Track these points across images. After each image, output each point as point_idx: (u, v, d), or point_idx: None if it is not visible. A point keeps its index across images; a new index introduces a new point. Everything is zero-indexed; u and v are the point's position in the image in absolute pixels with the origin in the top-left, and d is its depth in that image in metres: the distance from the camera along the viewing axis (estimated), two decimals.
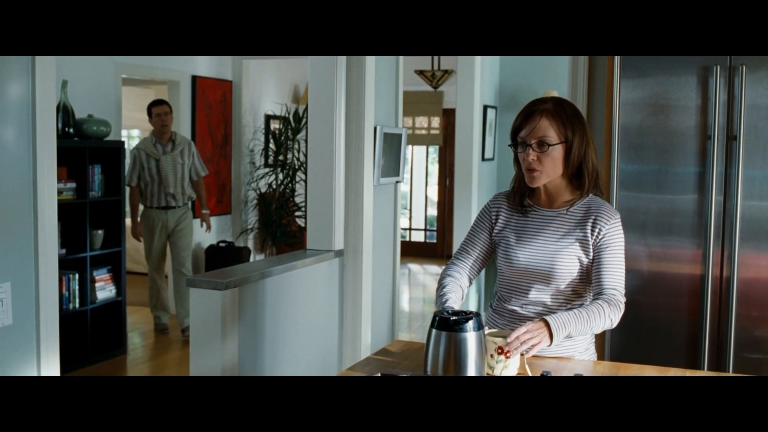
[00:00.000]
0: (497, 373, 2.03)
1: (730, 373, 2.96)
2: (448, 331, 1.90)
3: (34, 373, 2.54)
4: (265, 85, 8.11)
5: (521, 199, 2.30)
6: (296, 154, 7.93)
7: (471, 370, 1.89)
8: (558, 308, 2.23)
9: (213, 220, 7.02)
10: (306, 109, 7.52)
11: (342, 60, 3.86)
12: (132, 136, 10.93)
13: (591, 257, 2.20)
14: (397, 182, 4.61)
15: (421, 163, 10.94)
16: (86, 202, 5.21)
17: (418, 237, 11.03)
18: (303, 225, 7.73)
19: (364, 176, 3.95)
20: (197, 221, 6.42)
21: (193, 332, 3.18)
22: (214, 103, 7.37)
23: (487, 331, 2.09)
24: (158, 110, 5.85)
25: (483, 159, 6.46)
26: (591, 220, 2.20)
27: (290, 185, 7.87)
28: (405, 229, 10.93)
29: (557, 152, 2.16)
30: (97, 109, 5.85)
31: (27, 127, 2.47)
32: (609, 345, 3.23)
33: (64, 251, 5.08)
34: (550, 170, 2.18)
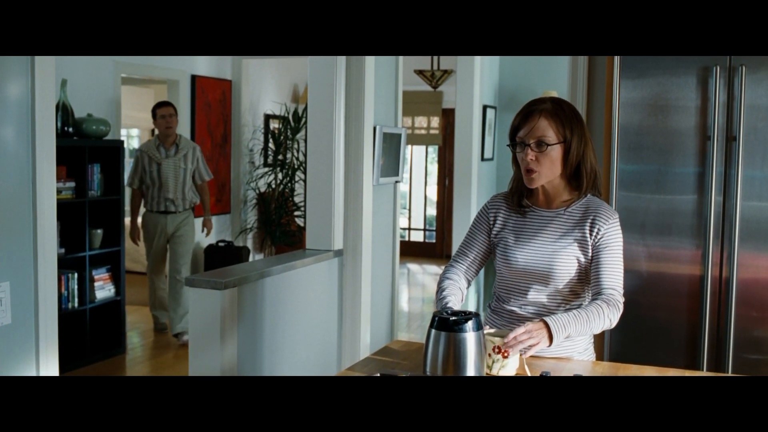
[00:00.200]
0: (495, 372, 2.04)
1: (729, 374, 2.96)
2: (448, 332, 1.90)
3: (33, 373, 2.54)
4: (264, 84, 8.11)
5: (519, 199, 2.30)
6: (295, 154, 7.93)
7: (470, 371, 1.89)
8: (556, 308, 2.23)
9: (198, 220, 6.89)
10: (305, 109, 7.51)
11: (341, 60, 3.86)
12: (131, 135, 10.93)
13: (589, 257, 2.20)
14: (396, 182, 4.61)
15: (420, 163, 10.94)
16: (85, 201, 5.21)
17: (418, 237, 11.03)
18: (302, 225, 7.73)
19: (363, 176, 3.95)
20: (199, 224, 6.29)
21: (192, 332, 3.17)
22: (214, 102, 7.37)
23: (486, 330, 2.09)
24: (163, 112, 5.74)
25: (482, 159, 6.46)
26: (589, 221, 2.20)
27: (289, 185, 7.87)
28: (404, 229, 10.93)
29: (556, 152, 2.16)
30: (97, 109, 5.85)
31: (26, 126, 2.46)
32: (608, 345, 3.23)
33: (63, 250, 5.07)
34: (549, 170, 2.18)
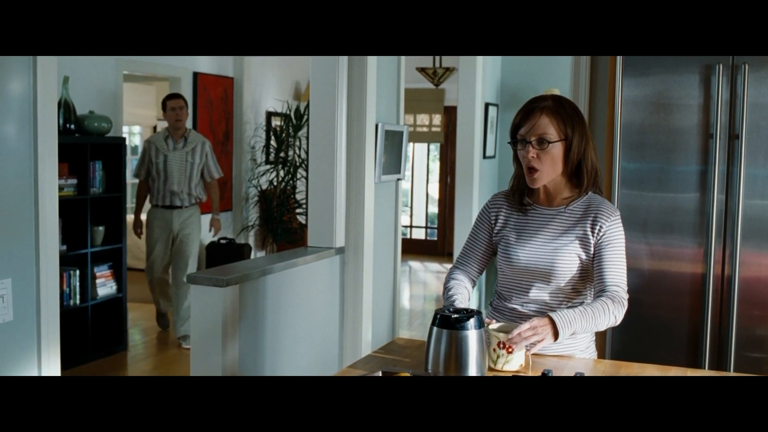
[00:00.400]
0: (499, 367, 2.05)
1: (731, 372, 2.96)
2: (450, 329, 1.90)
3: (35, 369, 2.54)
4: (266, 81, 8.10)
5: (521, 197, 2.30)
6: (297, 151, 7.93)
7: (472, 368, 1.89)
8: (558, 306, 2.23)
9: (206, 218, 6.84)
10: (307, 106, 7.51)
11: (343, 57, 3.85)
12: (133, 132, 10.93)
13: (591, 255, 2.20)
14: (398, 180, 4.61)
15: (422, 161, 10.94)
16: (87, 198, 5.21)
17: (419, 234, 11.03)
18: (304, 222, 7.73)
19: (365, 173, 3.95)
20: (205, 223, 6.18)
21: (193, 329, 3.17)
22: (216, 99, 7.36)
23: (492, 325, 2.10)
24: (173, 104, 5.61)
25: (484, 157, 6.46)
26: (591, 218, 2.20)
27: (291, 182, 7.87)
28: (406, 227, 10.93)
29: (557, 150, 2.16)
30: (99, 106, 5.85)
31: (28, 123, 2.46)
32: (610, 343, 3.22)
33: (65, 247, 5.08)
34: (550, 168, 2.18)
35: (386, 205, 4.47)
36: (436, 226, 10.83)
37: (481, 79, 6.22)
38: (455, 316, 1.91)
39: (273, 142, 8.03)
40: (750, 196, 3.03)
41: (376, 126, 4.11)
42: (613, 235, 2.19)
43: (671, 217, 3.14)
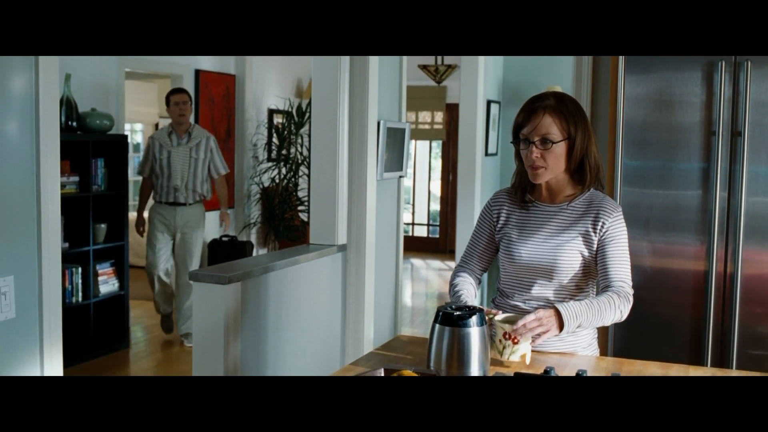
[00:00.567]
0: (505, 358, 2.06)
1: (734, 370, 2.95)
2: (451, 327, 1.90)
3: (37, 367, 2.54)
4: (268, 79, 8.10)
5: (523, 194, 2.30)
6: (299, 149, 7.93)
7: (474, 365, 1.89)
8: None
9: (216, 214, 6.90)
10: (309, 104, 7.51)
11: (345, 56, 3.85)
12: (135, 130, 10.94)
13: (594, 252, 2.20)
14: (400, 177, 4.61)
15: (424, 158, 10.94)
16: (89, 195, 5.22)
17: (421, 232, 11.03)
18: (306, 219, 7.73)
19: (367, 171, 3.95)
20: (209, 220, 6.11)
21: (195, 326, 3.18)
22: (218, 97, 7.36)
23: (498, 316, 2.10)
24: (176, 99, 5.53)
25: (486, 154, 6.45)
26: (593, 215, 2.20)
27: (293, 180, 7.87)
28: (408, 224, 10.93)
29: (560, 149, 2.16)
30: (100, 103, 5.85)
31: (30, 121, 2.46)
32: (612, 341, 3.22)
33: (67, 245, 5.08)
34: (554, 167, 2.18)
35: (388, 202, 4.47)
36: (438, 223, 10.83)
37: (483, 77, 6.21)
38: (457, 313, 1.91)
39: (275, 140, 8.04)
40: (752, 193, 3.02)
41: (378, 123, 4.11)
42: (616, 231, 2.19)
43: (673, 215, 3.13)
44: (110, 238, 5.49)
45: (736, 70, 3.01)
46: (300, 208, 7.95)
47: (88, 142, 5.20)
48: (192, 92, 7.02)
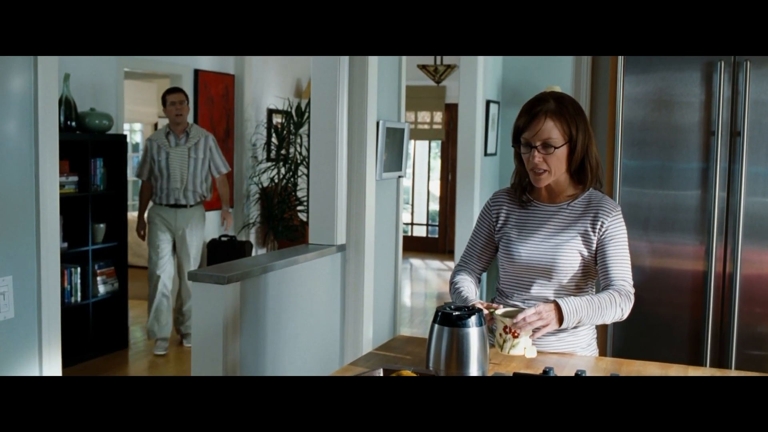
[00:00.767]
0: (505, 351, 2.08)
1: (733, 370, 2.96)
2: (451, 327, 1.90)
3: (36, 367, 2.54)
4: (267, 79, 8.10)
5: (522, 194, 2.30)
6: (298, 149, 7.93)
7: (473, 366, 1.89)
8: None
9: (215, 214, 6.91)
10: (308, 104, 7.51)
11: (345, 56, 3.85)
12: (134, 129, 10.93)
13: (593, 252, 2.20)
14: (399, 177, 4.60)
15: (423, 158, 10.94)
16: (88, 195, 5.21)
17: (420, 232, 11.03)
18: (305, 219, 7.73)
19: (366, 171, 3.95)
20: (210, 221, 6.04)
21: (194, 326, 3.18)
22: (217, 96, 7.36)
23: (498, 310, 2.11)
24: (173, 98, 5.40)
25: (485, 154, 6.45)
26: (592, 215, 2.20)
27: (292, 179, 7.87)
28: (407, 224, 10.93)
29: (562, 152, 2.16)
30: (99, 103, 5.84)
31: (29, 121, 2.46)
32: (611, 341, 3.22)
33: (66, 245, 5.08)
34: (556, 169, 2.18)
35: (387, 202, 4.47)
36: (437, 223, 10.83)
37: (483, 77, 6.21)
38: (456, 313, 1.91)
39: (274, 140, 8.03)
40: (751, 193, 3.02)
41: (377, 123, 4.10)
42: (615, 231, 2.19)
43: (672, 215, 3.14)
44: (109, 238, 5.49)
45: (735, 70, 3.01)
46: (299, 208, 7.95)
47: (87, 142, 5.19)
48: (191, 92, 7.02)
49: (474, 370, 1.89)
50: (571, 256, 2.19)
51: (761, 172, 3.01)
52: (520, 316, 2.03)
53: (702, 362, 3.12)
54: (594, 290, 2.29)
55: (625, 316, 2.16)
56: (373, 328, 4.15)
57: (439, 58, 7.77)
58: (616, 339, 3.22)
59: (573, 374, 1.97)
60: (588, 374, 1.97)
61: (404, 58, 4.50)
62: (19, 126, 2.43)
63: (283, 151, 7.91)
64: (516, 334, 2.04)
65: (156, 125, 10.35)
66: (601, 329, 3.19)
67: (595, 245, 2.20)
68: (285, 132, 7.92)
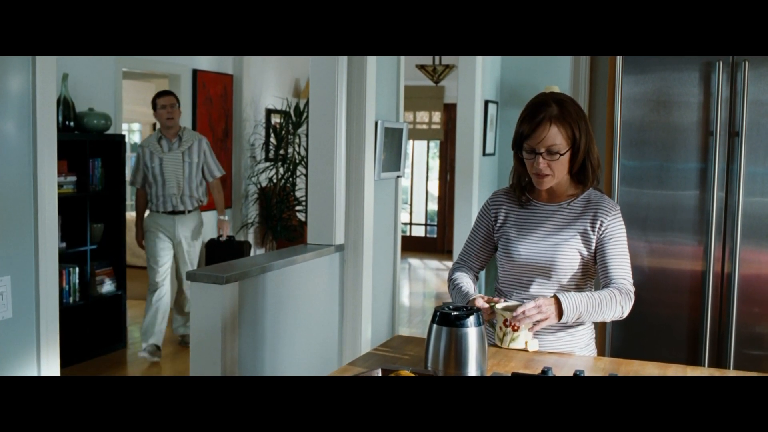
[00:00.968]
0: (505, 345, 2.10)
1: (731, 370, 2.96)
2: (449, 327, 1.90)
3: (34, 367, 2.54)
4: (266, 79, 8.09)
5: (521, 193, 2.30)
6: (297, 149, 7.93)
7: (471, 366, 1.89)
8: None
9: (212, 214, 6.86)
10: (307, 104, 7.51)
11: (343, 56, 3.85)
12: (132, 129, 10.93)
13: (592, 251, 2.20)
14: (397, 177, 4.60)
15: (421, 158, 10.94)
16: (87, 195, 5.21)
17: (419, 232, 11.03)
18: (303, 219, 7.73)
19: (364, 171, 3.95)
20: (208, 225, 5.96)
21: (193, 326, 3.17)
22: (215, 97, 7.36)
23: (499, 304, 2.11)
24: (163, 101, 5.24)
25: (484, 154, 6.45)
26: (591, 214, 2.20)
27: (291, 179, 7.87)
28: (405, 224, 10.93)
29: (566, 156, 2.16)
30: (98, 103, 5.84)
31: (27, 121, 2.46)
32: (609, 341, 3.22)
33: (64, 245, 5.08)
34: (559, 173, 2.18)
35: (386, 202, 4.47)
36: (435, 223, 10.83)
37: (481, 77, 6.22)
38: (455, 313, 1.91)
39: (272, 140, 8.03)
40: (750, 193, 3.03)
41: (376, 123, 4.10)
42: (615, 230, 2.19)
43: (671, 215, 3.14)
44: (107, 238, 5.48)
45: (733, 70, 3.01)
46: (298, 208, 7.95)
47: (86, 142, 5.19)
48: (189, 92, 7.01)
49: (472, 370, 1.89)
50: (570, 255, 2.19)
51: (759, 172, 3.02)
52: (520, 310, 2.04)
53: (700, 362, 3.12)
54: (593, 290, 2.29)
55: (625, 314, 2.16)
56: (371, 327, 4.15)
57: (437, 58, 7.78)
58: (614, 339, 3.22)
59: (571, 374, 1.96)
60: (586, 374, 1.97)
61: (403, 58, 4.50)
62: (17, 126, 2.43)
63: (281, 151, 7.91)
64: (516, 328, 2.06)
65: (155, 125, 10.34)
66: (600, 329, 3.19)
67: (594, 244, 2.20)
68: (283, 132, 7.92)
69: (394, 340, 2.44)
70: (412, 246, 10.62)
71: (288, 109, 7.98)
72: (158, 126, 5.37)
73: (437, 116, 9.95)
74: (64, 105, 5.05)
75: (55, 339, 2.61)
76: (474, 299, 2.16)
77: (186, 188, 5.26)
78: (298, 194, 7.98)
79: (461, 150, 6.19)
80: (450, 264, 9.49)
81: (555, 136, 2.12)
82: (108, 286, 5.49)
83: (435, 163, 10.83)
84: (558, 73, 6.40)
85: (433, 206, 10.87)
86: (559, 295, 2.08)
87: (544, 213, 2.26)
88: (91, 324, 5.36)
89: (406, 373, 1.79)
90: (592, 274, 2.26)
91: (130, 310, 6.21)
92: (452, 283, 2.35)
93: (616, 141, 3.16)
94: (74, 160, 5.16)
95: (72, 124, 5.12)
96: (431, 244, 10.80)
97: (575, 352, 2.26)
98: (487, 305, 2.11)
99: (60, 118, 5.00)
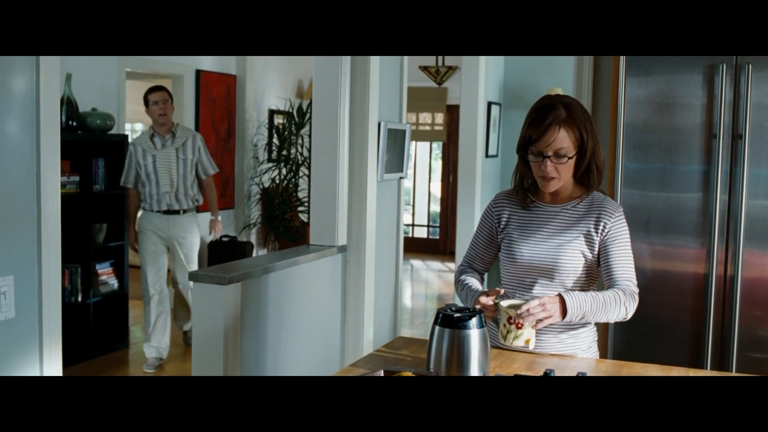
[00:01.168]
0: (508, 342, 2.09)
1: (734, 372, 2.95)
2: (451, 328, 1.90)
3: (37, 367, 2.54)
4: (269, 79, 8.10)
5: (525, 196, 2.29)
6: (300, 149, 7.93)
7: (473, 367, 1.89)
8: None
9: (204, 215, 6.72)
10: (310, 104, 7.51)
11: (346, 56, 3.85)
12: (135, 129, 10.93)
13: (596, 253, 2.20)
14: (400, 178, 4.60)
15: (424, 159, 10.93)
16: (89, 195, 5.21)
17: (421, 233, 11.03)
18: (306, 220, 7.73)
19: (367, 172, 3.95)
20: (204, 225, 5.91)
21: (195, 327, 3.18)
22: (218, 97, 7.36)
23: (503, 301, 2.11)
24: (155, 97, 5.02)
25: (487, 155, 6.45)
26: (595, 216, 2.20)
27: (293, 180, 7.87)
28: (408, 225, 10.93)
29: (573, 158, 2.16)
30: (101, 103, 5.85)
31: (31, 121, 2.46)
32: (612, 343, 3.22)
33: (67, 244, 5.07)
34: (566, 176, 2.18)
35: (388, 203, 4.47)
36: (438, 224, 10.83)
37: (484, 78, 6.21)
38: (457, 315, 1.91)
39: (275, 140, 8.03)
40: (753, 196, 3.02)
41: (379, 124, 4.10)
42: (618, 231, 2.19)
43: (674, 217, 3.13)
44: (110, 237, 5.49)
45: (737, 72, 3.01)
46: (300, 208, 7.95)
47: (89, 142, 5.20)
48: (192, 92, 7.02)
49: (474, 372, 1.89)
50: (573, 256, 2.19)
51: (762, 174, 3.01)
52: (524, 307, 2.04)
53: (703, 365, 3.12)
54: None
55: (630, 315, 2.16)
56: (373, 329, 4.14)
57: (440, 59, 7.77)
58: (617, 341, 3.21)
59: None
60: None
61: (406, 59, 4.50)
62: (20, 126, 2.43)
63: (284, 152, 7.92)
64: (519, 325, 2.05)
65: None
66: (602, 331, 3.19)
67: (597, 246, 2.20)
68: (286, 133, 7.93)
69: (396, 341, 2.44)
70: (414, 247, 10.62)
71: (291, 110, 7.98)
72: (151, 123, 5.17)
73: (440, 117, 9.95)
74: (68, 105, 5.06)
75: (58, 338, 2.61)
76: (483, 294, 2.16)
77: (180, 186, 5.08)
78: (300, 195, 7.98)
79: (464, 151, 6.19)
80: (452, 265, 9.50)
81: (563, 139, 2.12)
82: (110, 286, 5.50)
83: (438, 165, 10.83)
84: (561, 75, 6.39)
85: (436, 208, 10.87)
86: (564, 294, 2.08)
87: (548, 215, 2.25)
88: (94, 324, 5.37)
89: (408, 374, 1.79)
90: (596, 276, 2.25)
91: (133, 309, 6.21)
92: (460, 284, 2.35)
93: (619, 143, 3.16)
94: (77, 160, 5.17)
95: (75, 124, 5.12)
96: (433, 246, 10.79)
97: (578, 354, 2.26)
98: (491, 302, 2.11)
99: (63, 118, 5.01)
